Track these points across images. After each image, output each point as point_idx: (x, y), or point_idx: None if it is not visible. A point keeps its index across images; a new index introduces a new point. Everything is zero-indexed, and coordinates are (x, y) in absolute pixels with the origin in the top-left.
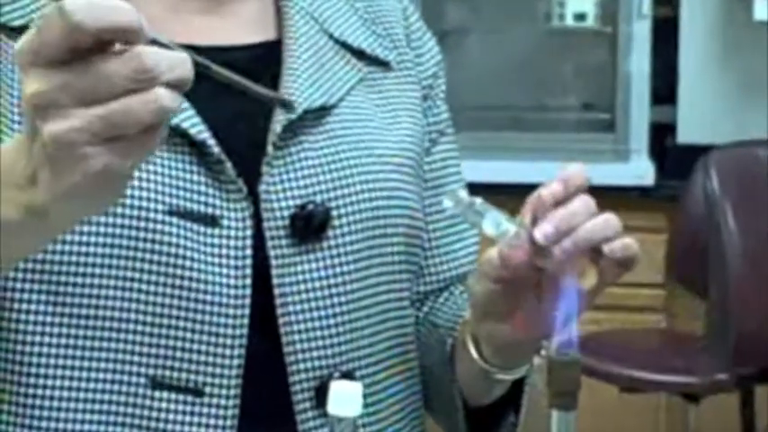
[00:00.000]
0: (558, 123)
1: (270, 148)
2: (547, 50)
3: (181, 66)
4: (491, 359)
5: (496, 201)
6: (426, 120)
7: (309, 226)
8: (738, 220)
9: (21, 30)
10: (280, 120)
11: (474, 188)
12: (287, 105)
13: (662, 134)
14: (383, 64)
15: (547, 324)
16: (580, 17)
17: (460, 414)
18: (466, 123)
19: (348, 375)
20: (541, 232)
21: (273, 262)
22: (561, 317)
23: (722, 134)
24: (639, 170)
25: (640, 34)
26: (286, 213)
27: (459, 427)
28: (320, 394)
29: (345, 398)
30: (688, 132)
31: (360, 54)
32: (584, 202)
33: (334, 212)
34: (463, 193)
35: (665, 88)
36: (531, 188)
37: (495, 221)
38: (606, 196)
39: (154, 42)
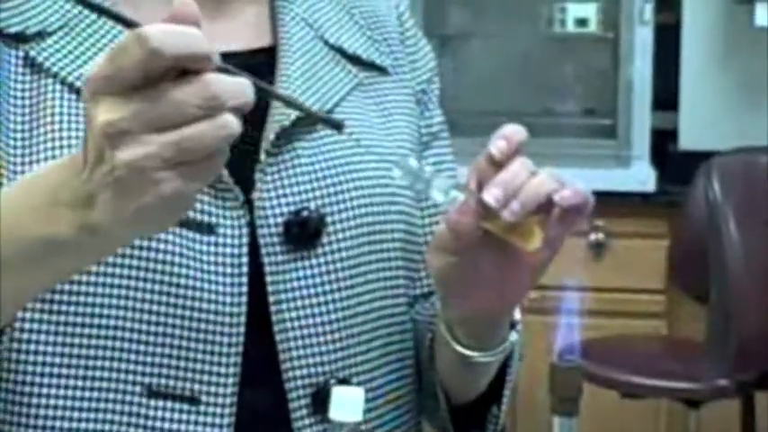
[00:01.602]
0: (559, 129)
1: (263, 155)
2: (548, 56)
3: (245, 91)
4: (465, 341)
5: None
6: (418, 123)
7: (304, 232)
8: (739, 226)
9: (18, 36)
10: (273, 126)
11: None
12: (338, 126)
13: (663, 140)
14: (379, 69)
15: (507, 294)
16: (582, 23)
17: (443, 405)
18: (467, 128)
19: (344, 381)
20: (491, 195)
21: (267, 269)
22: (563, 323)
23: (724, 140)
24: (641, 176)
25: (642, 40)
26: (280, 220)
27: (445, 422)
28: (317, 401)
29: (347, 403)
30: (689, 138)
31: (355, 60)
32: (522, 163)
33: (329, 218)
34: (413, 162)
35: (666, 94)
36: None
37: (443, 189)
38: (607, 202)
39: (220, 69)
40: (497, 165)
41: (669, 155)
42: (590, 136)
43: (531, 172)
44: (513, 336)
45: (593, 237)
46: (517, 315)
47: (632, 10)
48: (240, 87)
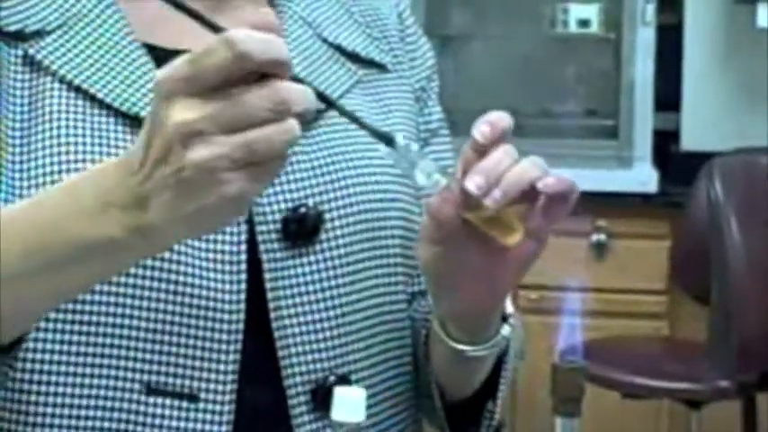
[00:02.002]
0: (561, 129)
1: None
2: (550, 56)
3: (308, 98)
4: (457, 335)
5: None
6: (417, 120)
7: (302, 229)
8: (741, 226)
9: (17, 34)
10: None
11: None
12: (390, 141)
13: (665, 141)
14: (379, 66)
15: (496, 287)
16: (584, 23)
17: (437, 403)
18: (469, 128)
19: (344, 378)
20: (473, 182)
21: (266, 266)
22: (565, 323)
23: (725, 141)
24: (643, 177)
25: (644, 41)
26: (278, 216)
27: (439, 418)
28: (316, 398)
29: (349, 403)
30: (691, 139)
31: (354, 57)
32: (506, 150)
33: (327, 215)
34: (400, 138)
35: (668, 95)
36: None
37: (427, 171)
38: (609, 203)
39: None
40: (481, 152)
41: (671, 155)
42: (592, 137)
43: (515, 160)
44: (506, 329)
45: (594, 237)
46: (509, 309)
47: (634, 11)
48: (304, 94)
